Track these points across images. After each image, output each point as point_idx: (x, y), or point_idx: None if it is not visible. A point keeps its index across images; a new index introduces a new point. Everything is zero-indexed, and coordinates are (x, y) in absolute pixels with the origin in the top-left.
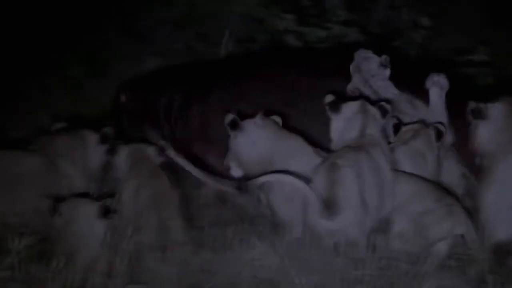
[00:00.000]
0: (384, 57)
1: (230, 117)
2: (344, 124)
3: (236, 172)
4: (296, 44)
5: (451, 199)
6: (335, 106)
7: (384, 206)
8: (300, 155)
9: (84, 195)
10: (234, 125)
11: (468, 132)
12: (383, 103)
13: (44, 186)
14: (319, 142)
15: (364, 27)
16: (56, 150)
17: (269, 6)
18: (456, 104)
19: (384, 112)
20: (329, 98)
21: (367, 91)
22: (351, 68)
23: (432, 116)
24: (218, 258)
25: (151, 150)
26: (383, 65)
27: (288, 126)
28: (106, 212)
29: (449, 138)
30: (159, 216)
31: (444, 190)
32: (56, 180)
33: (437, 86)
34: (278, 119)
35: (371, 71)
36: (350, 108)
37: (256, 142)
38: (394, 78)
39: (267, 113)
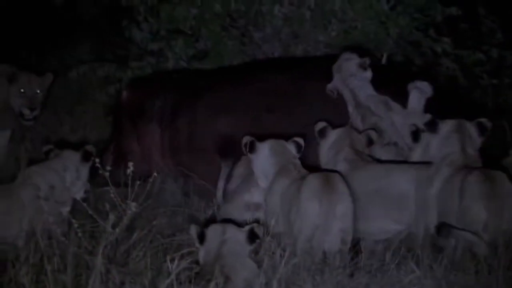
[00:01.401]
0: (364, 59)
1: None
2: (439, 142)
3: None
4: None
5: None
6: (434, 126)
7: None
8: None
9: (228, 220)
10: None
11: None
12: (482, 120)
13: None
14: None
15: None
16: None
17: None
18: None
19: (482, 130)
20: (427, 117)
21: (344, 91)
22: (334, 68)
23: (408, 119)
24: (375, 282)
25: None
26: (362, 67)
27: (268, 130)
28: (253, 238)
29: None
30: None
31: None
32: None
33: (417, 91)
34: (300, 140)
35: (350, 71)
36: (447, 127)
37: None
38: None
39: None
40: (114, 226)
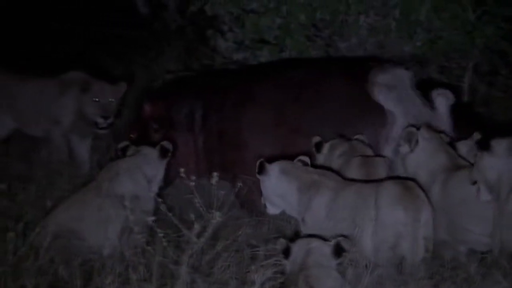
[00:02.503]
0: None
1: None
2: None
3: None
4: None
5: None
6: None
7: None
8: None
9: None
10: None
11: None
12: None
13: None
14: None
15: None
16: None
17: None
18: None
19: None
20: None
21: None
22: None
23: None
24: None
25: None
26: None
27: (293, 120)
28: (339, 252)
29: None
30: None
31: None
32: None
33: (444, 97)
34: (306, 158)
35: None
36: None
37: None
38: None
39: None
40: (199, 236)
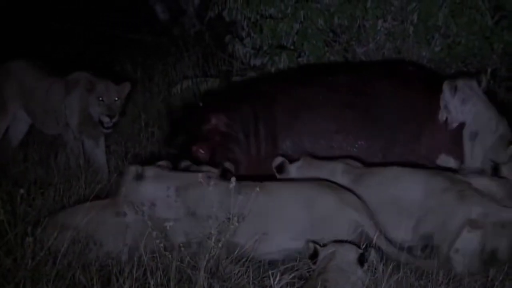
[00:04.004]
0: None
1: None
2: None
3: None
4: None
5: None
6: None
7: None
8: None
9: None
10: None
11: None
12: None
13: None
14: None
15: None
16: None
17: None
18: None
19: None
20: None
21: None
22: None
23: None
24: None
25: None
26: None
27: (346, 125)
28: (364, 261)
29: None
30: None
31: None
32: None
33: None
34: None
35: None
36: None
37: None
38: None
39: None
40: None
